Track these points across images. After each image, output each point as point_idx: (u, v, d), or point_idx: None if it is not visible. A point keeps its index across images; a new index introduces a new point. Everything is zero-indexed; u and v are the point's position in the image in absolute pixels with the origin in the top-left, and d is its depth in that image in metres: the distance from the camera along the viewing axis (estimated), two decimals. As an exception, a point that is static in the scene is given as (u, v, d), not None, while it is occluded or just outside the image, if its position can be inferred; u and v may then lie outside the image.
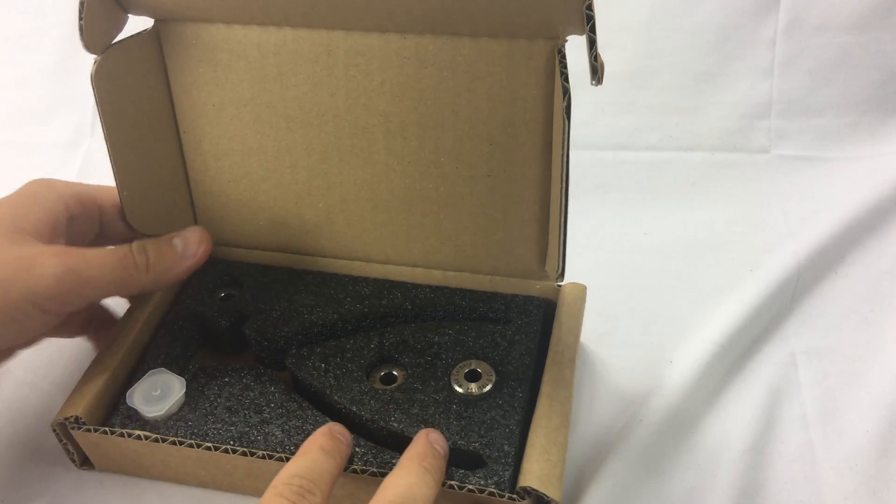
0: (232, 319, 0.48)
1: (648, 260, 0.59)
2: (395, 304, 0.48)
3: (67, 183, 0.46)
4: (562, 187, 0.39)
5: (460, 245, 0.48)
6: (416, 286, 0.49)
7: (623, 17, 0.68)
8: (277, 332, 0.46)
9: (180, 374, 0.44)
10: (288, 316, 0.47)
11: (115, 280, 0.42)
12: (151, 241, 0.45)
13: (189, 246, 0.46)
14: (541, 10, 0.38)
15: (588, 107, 0.68)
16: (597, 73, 0.36)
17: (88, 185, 0.47)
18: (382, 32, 0.42)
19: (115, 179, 0.45)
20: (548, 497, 0.37)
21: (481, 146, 0.44)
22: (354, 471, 0.39)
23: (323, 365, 0.44)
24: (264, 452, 0.39)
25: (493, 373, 0.43)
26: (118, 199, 0.46)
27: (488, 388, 0.43)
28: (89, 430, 0.41)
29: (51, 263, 0.40)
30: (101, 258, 0.42)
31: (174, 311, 0.49)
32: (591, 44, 0.36)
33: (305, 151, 0.47)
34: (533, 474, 0.37)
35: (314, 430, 0.38)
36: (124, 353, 0.45)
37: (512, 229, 0.46)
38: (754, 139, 0.67)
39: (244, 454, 0.40)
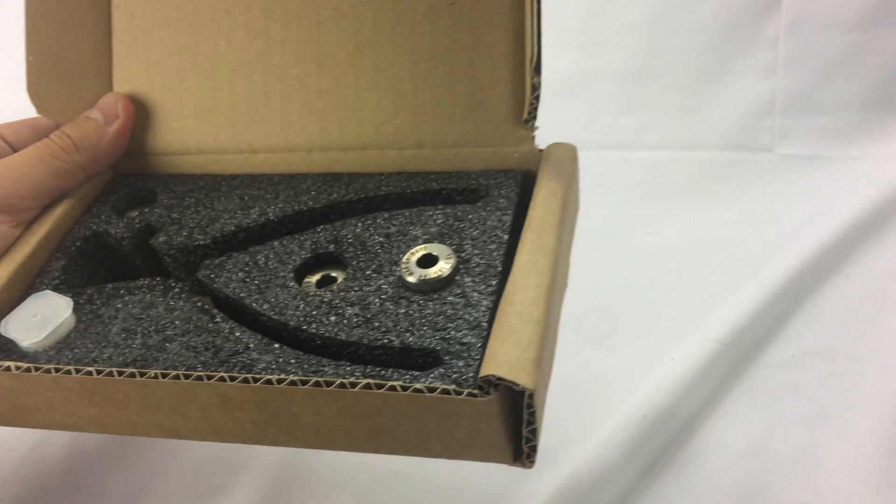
0: (140, 236, 0.41)
1: (651, 259, 0.59)
2: (339, 196, 0.40)
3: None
4: (532, 4, 0.33)
5: (419, 107, 0.40)
6: (365, 175, 0.41)
7: (625, 16, 0.68)
8: (191, 241, 0.39)
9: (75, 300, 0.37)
10: (205, 224, 0.40)
11: (49, 172, 0.40)
12: (69, 123, 0.42)
13: (107, 111, 0.43)
14: None
15: (590, 106, 0.68)
16: None
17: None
18: None
19: (25, 41, 0.41)
20: (518, 385, 0.28)
21: None
22: (273, 381, 0.31)
23: (242, 273, 0.38)
24: (157, 372, 0.32)
25: (454, 256, 0.35)
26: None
27: (447, 273, 0.34)
28: None
29: None
30: (26, 154, 0.40)
31: (73, 231, 0.41)
32: None
33: (245, 5, 0.41)
34: (497, 360, 0.28)
35: (229, 346, 0.33)
36: (7, 279, 0.38)
37: (481, 74, 0.38)
38: (757, 138, 0.67)
39: (132, 376, 0.32)
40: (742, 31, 0.67)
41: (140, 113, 0.44)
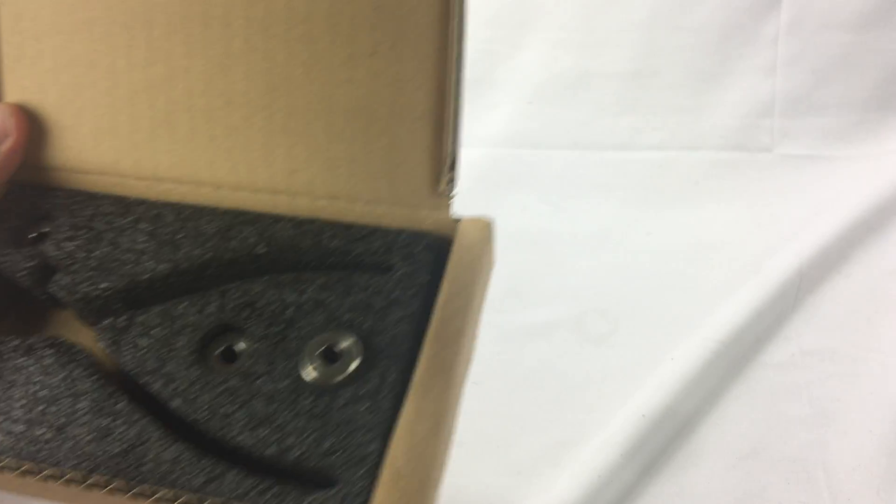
0: (38, 272, 0.38)
1: (651, 259, 0.59)
2: (246, 246, 0.38)
3: None
4: (455, 56, 0.32)
5: (333, 159, 0.38)
6: (275, 220, 0.38)
7: (625, 16, 0.68)
8: (94, 287, 0.37)
9: None
10: (108, 265, 0.37)
11: None
12: None
13: None
14: None
15: (590, 106, 0.68)
16: None
17: None
18: None
19: None
20: None
21: (364, 10, 0.35)
22: None
23: (143, 340, 0.35)
24: (51, 473, 0.31)
25: (361, 349, 0.33)
26: None
27: (351, 369, 0.32)
28: None
29: None
30: None
31: None
32: None
33: (146, 23, 0.38)
34: None
35: (131, 434, 0.31)
36: None
37: (400, 132, 0.37)
38: (757, 138, 0.67)
39: (22, 475, 0.31)
40: (742, 32, 0.67)
41: (34, 124, 0.41)
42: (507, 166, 0.66)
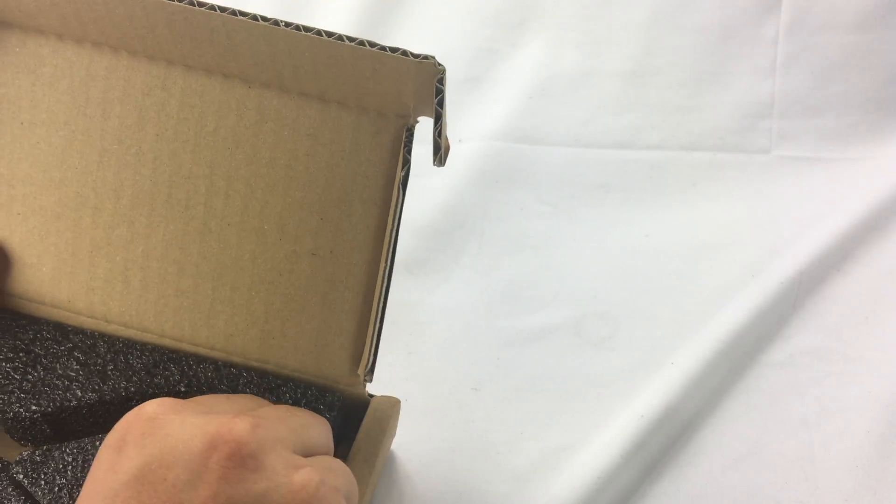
0: None
1: (650, 261, 0.59)
2: (169, 383, 0.42)
3: None
4: (384, 270, 0.37)
5: (268, 331, 0.42)
6: (198, 360, 0.43)
7: (624, 16, 0.68)
8: (24, 409, 0.39)
9: None
10: (41, 389, 0.40)
11: None
12: None
13: None
14: (392, 79, 0.35)
15: (589, 105, 0.68)
16: (438, 152, 0.35)
17: None
18: (226, 77, 0.39)
19: None
20: None
21: (310, 219, 0.40)
22: None
23: (58, 478, 0.37)
24: None
25: None
26: None
27: None
28: None
29: None
30: None
31: None
32: (438, 119, 0.34)
33: (115, 193, 0.42)
34: None
35: None
36: None
37: (329, 321, 0.42)
38: (756, 139, 0.67)
39: None
40: (741, 32, 0.67)
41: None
42: (505, 160, 0.66)
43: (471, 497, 0.45)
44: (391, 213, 0.37)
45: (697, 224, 0.62)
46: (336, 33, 0.35)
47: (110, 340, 0.43)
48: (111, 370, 0.42)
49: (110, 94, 0.41)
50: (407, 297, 0.57)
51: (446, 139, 0.36)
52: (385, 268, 0.38)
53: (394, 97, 0.36)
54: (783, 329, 0.54)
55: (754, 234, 0.61)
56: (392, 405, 0.44)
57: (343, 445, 0.42)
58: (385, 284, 0.38)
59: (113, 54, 0.40)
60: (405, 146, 0.37)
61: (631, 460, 0.45)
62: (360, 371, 0.41)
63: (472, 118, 0.68)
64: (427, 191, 0.63)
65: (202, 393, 0.41)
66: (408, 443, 0.48)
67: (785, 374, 0.51)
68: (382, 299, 0.39)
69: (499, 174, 0.65)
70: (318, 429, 0.35)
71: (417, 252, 0.60)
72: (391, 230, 0.37)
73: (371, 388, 0.45)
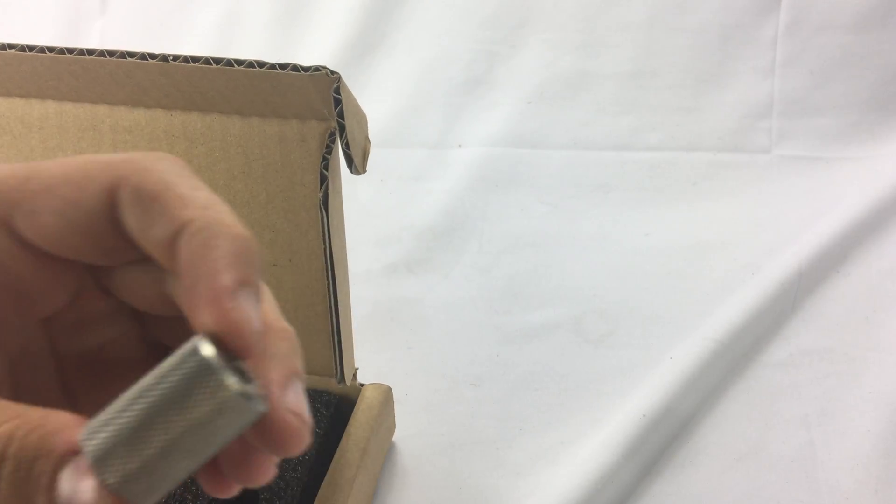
0: None
1: (649, 260, 0.59)
2: None
3: None
4: (329, 282, 0.37)
5: None
6: None
7: (624, 17, 0.68)
8: None
9: None
10: None
11: None
12: None
13: None
14: (294, 93, 0.35)
15: (589, 107, 0.68)
16: (352, 162, 0.35)
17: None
18: (147, 108, 0.39)
19: None
20: None
21: (263, 234, 0.41)
22: None
23: None
24: None
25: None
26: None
27: None
28: None
29: None
30: None
31: None
32: (342, 131, 0.34)
33: None
34: None
35: None
36: None
37: (305, 324, 0.43)
38: (755, 139, 0.67)
39: None
40: (741, 32, 0.67)
41: None
42: (506, 166, 0.66)
43: (470, 491, 0.45)
44: (321, 235, 0.37)
45: (697, 224, 0.62)
46: (224, 59, 0.35)
47: None
48: None
49: (49, 143, 0.41)
50: (407, 294, 0.57)
51: (365, 143, 0.35)
52: (326, 269, 0.38)
53: (305, 105, 0.36)
54: (783, 329, 0.54)
55: (754, 233, 0.61)
56: (382, 392, 0.45)
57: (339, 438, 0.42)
58: (333, 301, 0.39)
59: (41, 104, 0.40)
60: (322, 161, 0.36)
61: (630, 458, 0.45)
62: (337, 379, 0.42)
63: (471, 123, 0.68)
64: (427, 194, 0.63)
65: None
66: (408, 437, 0.48)
67: (785, 374, 0.50)
68: (335, 317, 0.39)
69: (499, 178, 0.65)
70: None
71: (418, 252, 0.60)
72: (325, 245, 0.37)
73: (369, 382, 0.45)
